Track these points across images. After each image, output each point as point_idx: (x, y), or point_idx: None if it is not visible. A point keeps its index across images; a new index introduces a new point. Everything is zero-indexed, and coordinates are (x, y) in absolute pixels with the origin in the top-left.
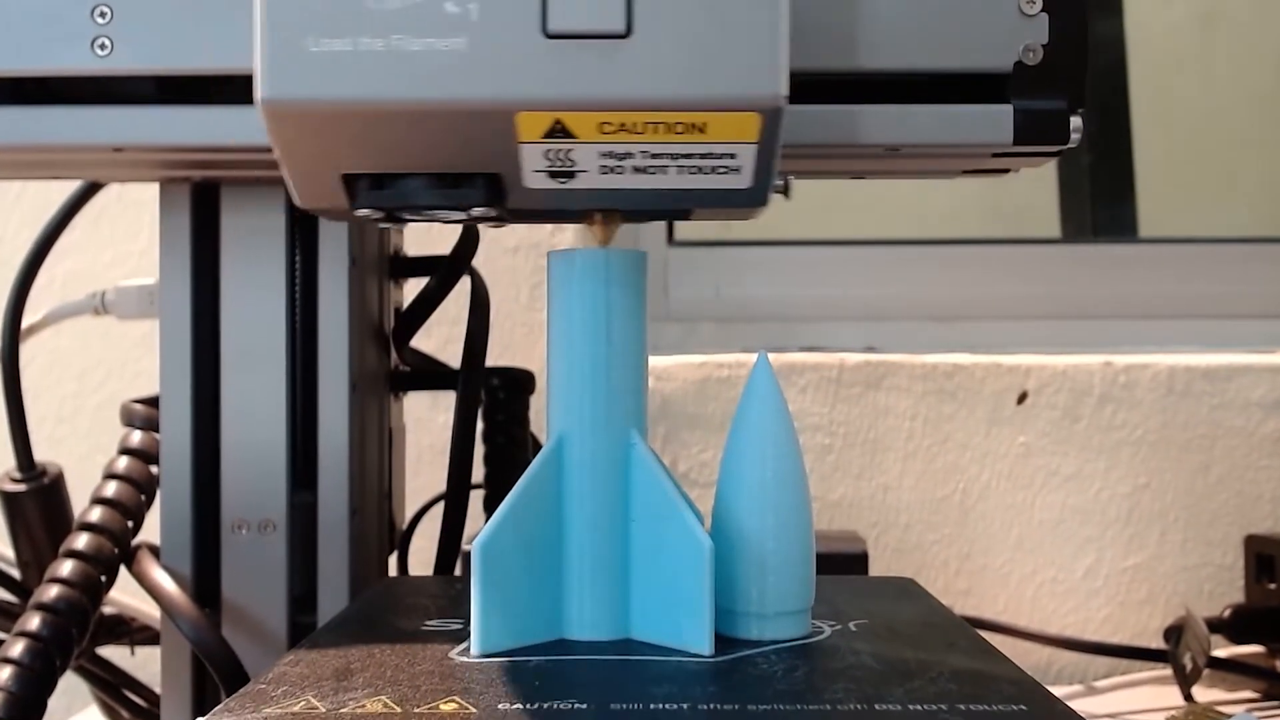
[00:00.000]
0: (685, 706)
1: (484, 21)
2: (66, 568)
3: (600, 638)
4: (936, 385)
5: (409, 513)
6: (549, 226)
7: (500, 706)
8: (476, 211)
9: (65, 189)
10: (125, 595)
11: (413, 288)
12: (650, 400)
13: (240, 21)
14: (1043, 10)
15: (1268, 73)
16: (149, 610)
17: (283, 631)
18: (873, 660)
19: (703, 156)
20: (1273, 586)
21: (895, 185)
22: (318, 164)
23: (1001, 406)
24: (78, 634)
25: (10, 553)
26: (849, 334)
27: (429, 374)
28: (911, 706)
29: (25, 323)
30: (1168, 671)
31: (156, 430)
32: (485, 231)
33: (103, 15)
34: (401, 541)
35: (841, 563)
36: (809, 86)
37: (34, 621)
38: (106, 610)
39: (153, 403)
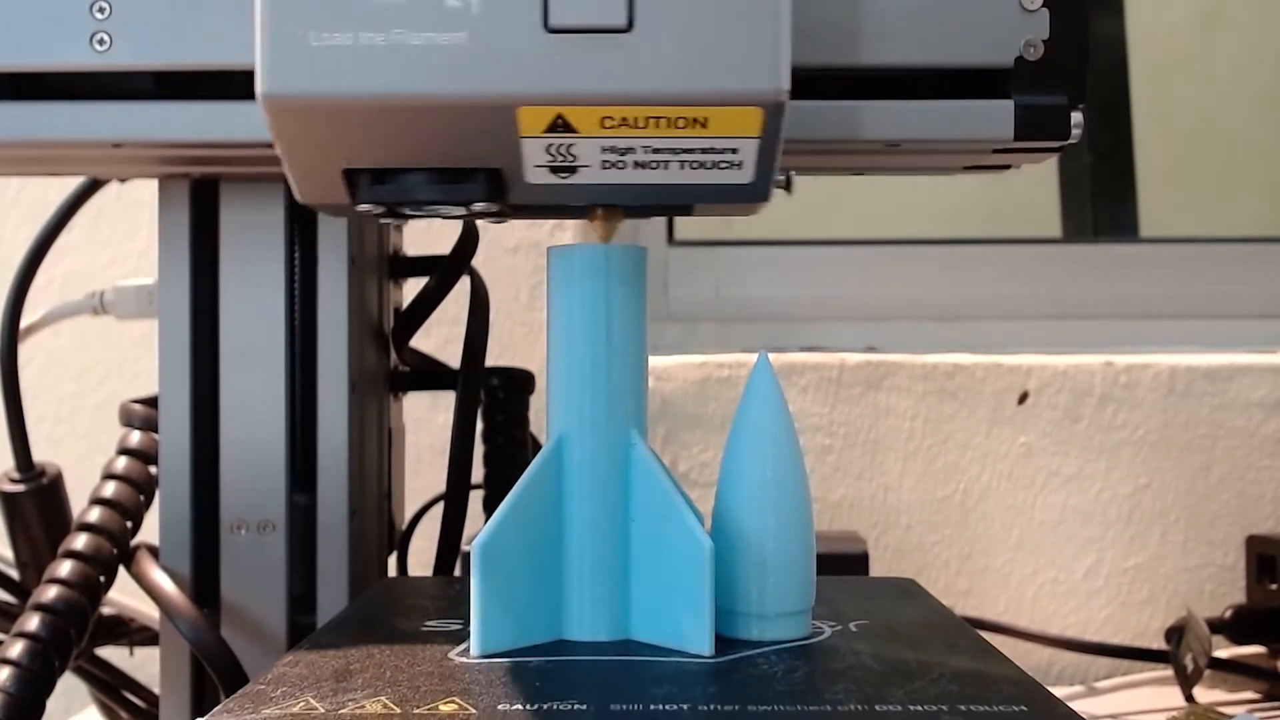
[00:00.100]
0: (685, 707)
1: (485, 15)
2: (65, 568)
3: (600, 638)
4: (937, 385)
5: (408, 513)
6: (549, 225)
7: (500, 707)
8: (478, 207)
9: (64, 188)
10: (124, 596)
11: (412, 287)
12: (650, 400)
13: (239, 17)
14: (1043, 6)
15: (1269, 73)
16: (148, 611)
17: (282, 632)
18: (873, 661)
19: (704, 151)
20: (1274, 587)
21: (896, 185)
22: (319, 159)
23: (1002, 407)
24: (76, 635)
25: (9, 553)
26: (849, 334)
27: (428, 374)
28: (912, 707)
29: (24, 322)
30: (1169, 672)
31: (155, 430)
32: (485, 231)
33: (101, 11)
34: (401, 542)
35: (842, 563)
36: (811, 82)
37: (33, 622)
38: (105, 611)
39: (151, 403)
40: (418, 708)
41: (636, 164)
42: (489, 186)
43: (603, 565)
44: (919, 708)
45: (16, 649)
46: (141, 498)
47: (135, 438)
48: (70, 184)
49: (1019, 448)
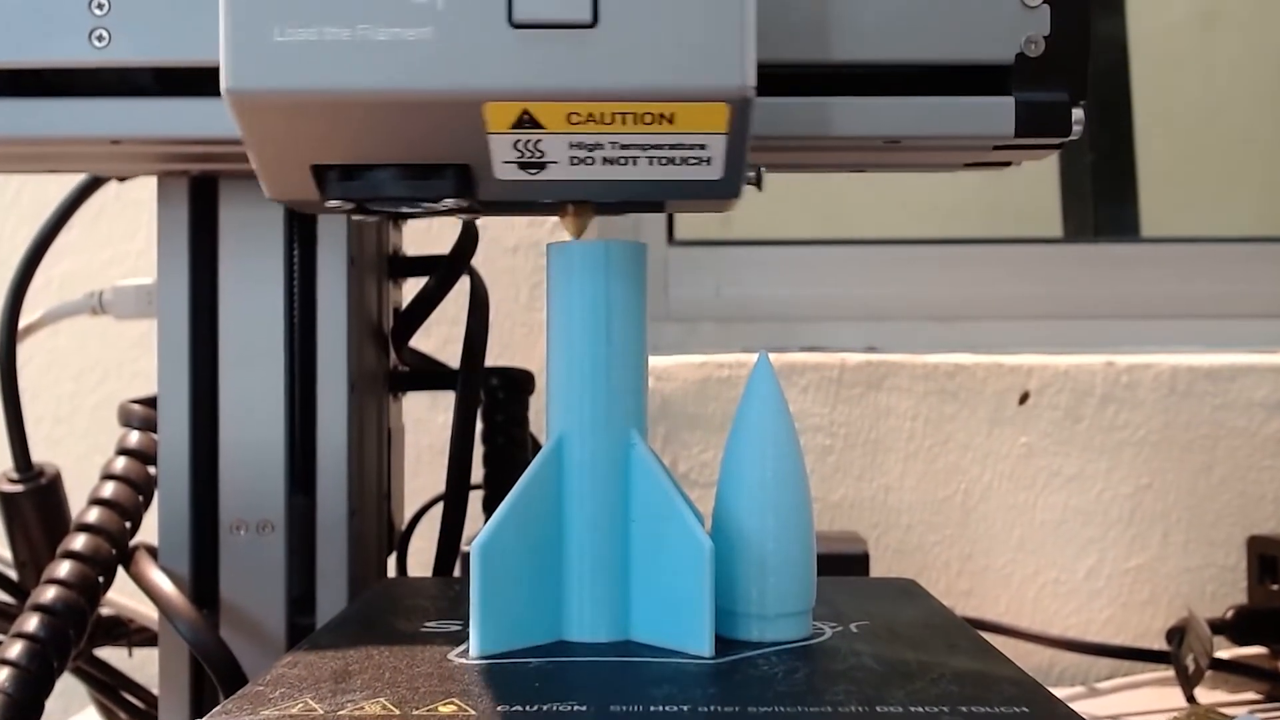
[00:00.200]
0: (685, 708)
1: (450, 11)
2: (64, 569)
3: (600, 639)
4: (938, 385)
5: (408, 513)
6: (549, 224)
7: (499, 709)
8: (447, 203)
9: (63, 188)
10: (123, 596)
11: (412, 287)
12: (650, 400)
13: None
14: (1044, 2)
15: (1270, 72)
16: (147, 611)
17: (281, 633)
18: (874, 662)
19: (672, 147)
20: (1275, 587)
21: (897, 184)
22: (286, 155)
23: (1003, 407)
24: (75, 635)
25: (7, 554)
26: (850, 334)
27: (428, 374)
28: (913, 708)
29: (23, 323)
30: (1170, 673)
31: (154, 430)
32: (485, 231)
33: (100, 7)
34: (400, 542)
35: (842, 564)
36: (811, 79)
37: (31, 623)
38: (104, 611)
39: (150, 403)
40: (417, 709)
41: (605, 160)
42: (458, 182)
43: (602, 566)
44: (920, 709)
45: (15, 649)
46: (140, 498)
47: (134, 438)
48: (69, 183)
49: (1020, 448)
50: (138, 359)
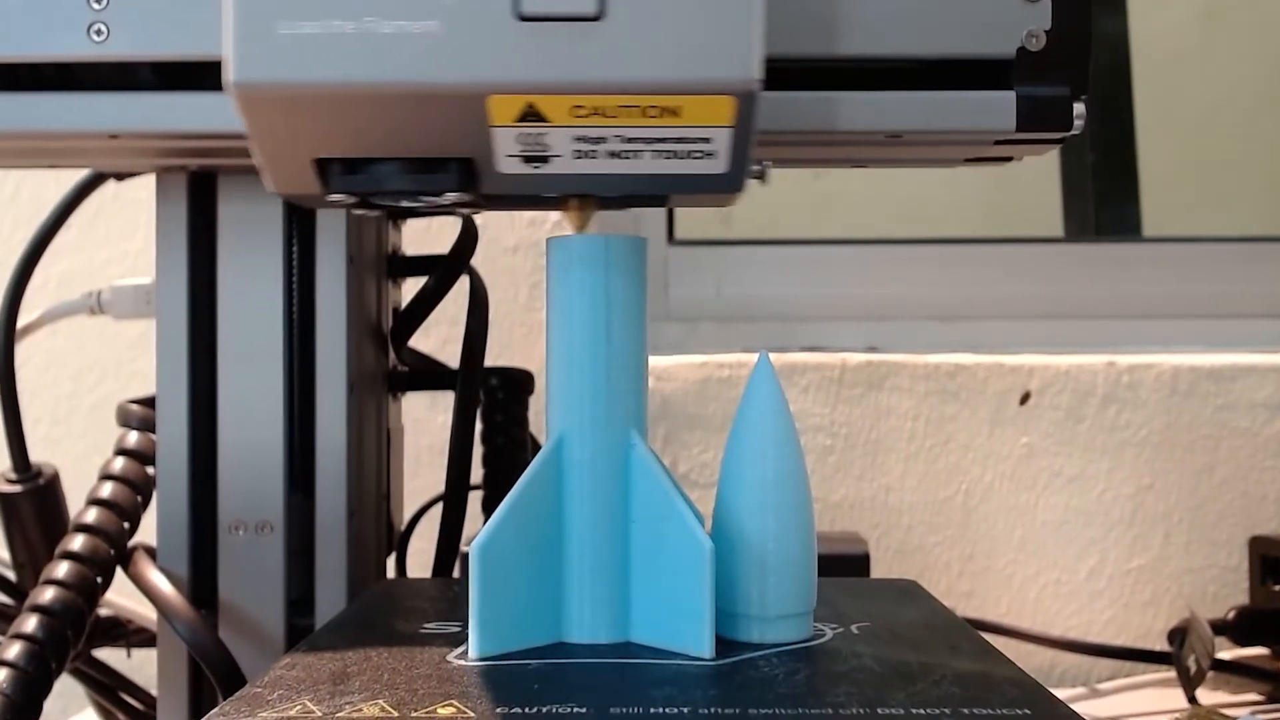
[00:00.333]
0: (685, 710)
1: (456, 3)
2: (62, 569)
3: (600, 640)
4: (939, 385)
5: (407, 514)
6: (550, 223)
7: (498, 711)
8: (450, 197)
9: (61, 187)
10: (121, 597)
11: (411, 287)
12: (650, 400)
13: None
14: None
15: (1272, 70)
16: (145, 612)
17: (280, 634)
18: (875, 663)
19: (677, 141)
20: (1277, 588)
21: (898, 183)
22: (290, 148)
23: (1004, 407)
24: (73, 636)
25: (5, 554)
26: (851, 334)
27: (427, 374)
28: (914, 710)
29: (21, 322)
30: (1171, 674)
31: (153, 431)
32: (485, 231)
33: (99, 2)
34: (400, 543)
35: (843, 564)
36: (812, 73)
37: (29, 623)
38: (103, 612)
39: (149, 403)
40: (415, 711)
41: (609, 154)
42: (461, 176)
43: (602, 567)
44: (921, 711)
45: (13, 650)
46: (139, 498)
47: (133, 438)
48: (67, 182)
49: (1021, 448)
50: (136, 359)
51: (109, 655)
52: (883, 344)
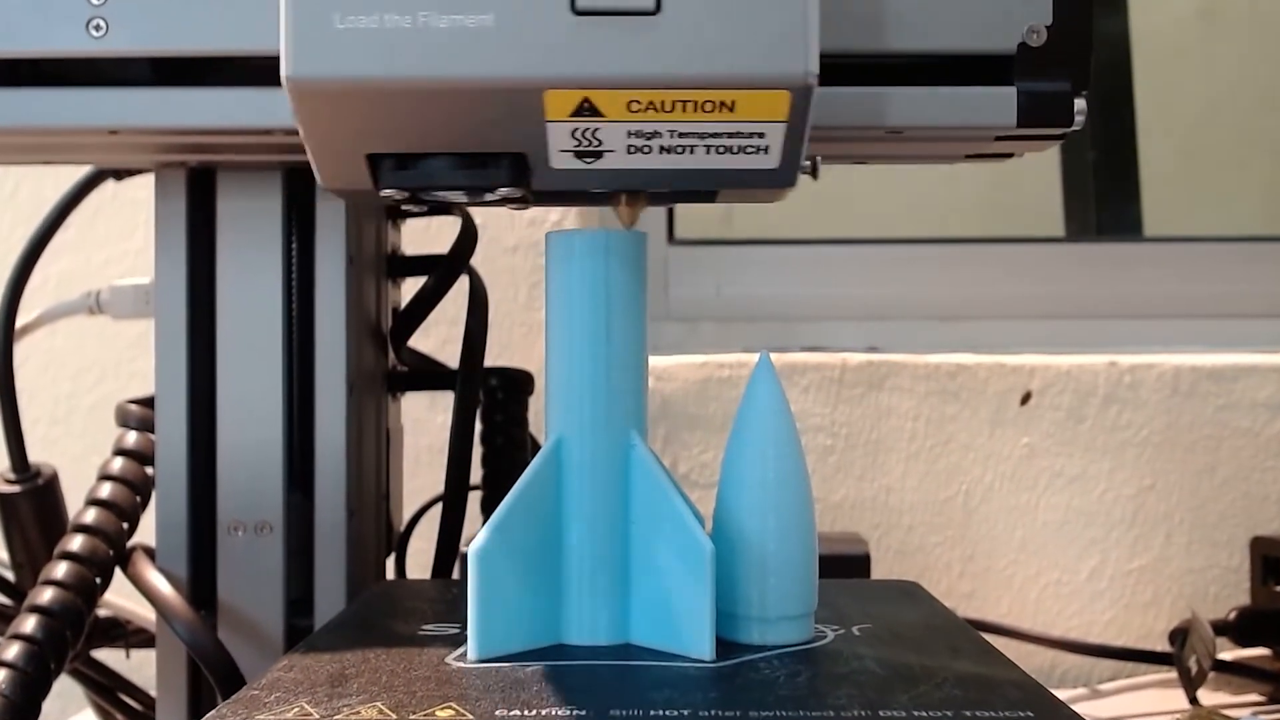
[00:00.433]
0: (686, 713)
1: None
2: (61, 570)
3: (599, 642)
4: (939, 385)
5: (407, 514)
6: (549, 223)
7: (498, 713)
8: (502, 192)
9: (60, 186)
10: (120, 597)
11: (411, 287)
12: (650, 400)
13: (238, 3)
14: None
15: (1273, 69)
16: (144, 613)
17: (279, 634)
18: (876, 665)
19: (731, 136)
20: (1278, 589)
21: (899, 183)
22: (342, 144)
23: (1005, 407)
24: (72, 636)
25: (4, 555)
26: (851, 334)
27: (427, 374)
28: (916, 713)
29: (19, 322)
30: (1173, 674)
31: (152, 431)
32: (484, 231)
33: None
34: (399, 544)
35: (844, 565)
36: None
37: (28, 624)
38: (101, 613)
39: (148, 403)
40: (414, 713)
41: (662, 149)
42: (513, 171)
43: (602, 568)
44: (924, 713)
45: (12, 651)
46: (138, 499)
47: (132, 438)
48: (66, 181)
49: (1022, 448)
50: (135, 359)
51: (108, 656)
52: (883, 344)
